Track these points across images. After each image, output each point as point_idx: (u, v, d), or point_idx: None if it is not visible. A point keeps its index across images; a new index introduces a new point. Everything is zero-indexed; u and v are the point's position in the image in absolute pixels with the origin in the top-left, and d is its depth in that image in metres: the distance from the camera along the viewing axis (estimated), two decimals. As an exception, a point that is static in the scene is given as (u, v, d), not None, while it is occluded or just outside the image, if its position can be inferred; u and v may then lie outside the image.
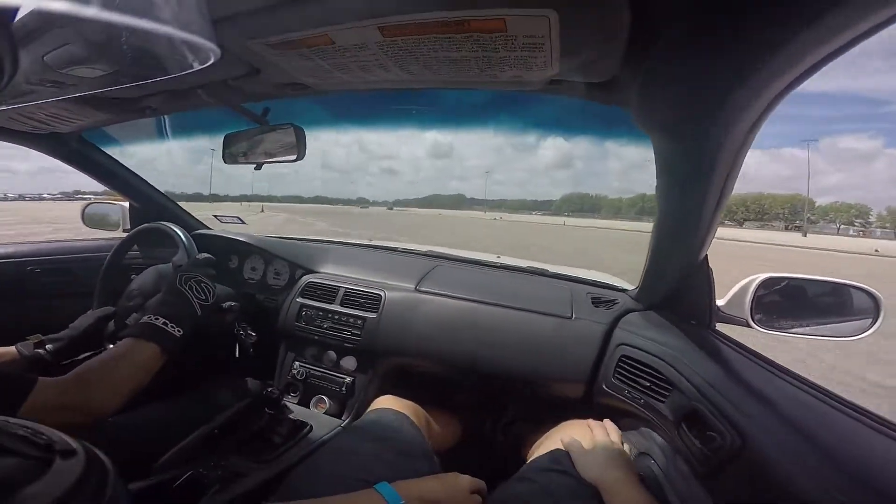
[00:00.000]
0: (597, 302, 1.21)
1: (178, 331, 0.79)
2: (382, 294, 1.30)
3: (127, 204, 1.63)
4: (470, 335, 1.19)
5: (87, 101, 0.95)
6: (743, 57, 0.44)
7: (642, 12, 0.45)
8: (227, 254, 1.54)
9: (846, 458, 0.52)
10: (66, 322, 1.06)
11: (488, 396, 1.36)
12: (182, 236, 1.15)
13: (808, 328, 1.00)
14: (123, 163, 1.49)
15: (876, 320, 0.93)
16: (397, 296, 1.29)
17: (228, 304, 1.18)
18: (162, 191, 1.65)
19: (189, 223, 1.69)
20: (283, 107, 1.00)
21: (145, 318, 0.78)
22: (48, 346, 0.96)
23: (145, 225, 1.25)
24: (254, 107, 1.00)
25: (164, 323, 0.78)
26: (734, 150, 0.60)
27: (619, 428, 0.97)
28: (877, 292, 0.95)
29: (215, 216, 2.03)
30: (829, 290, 1.02)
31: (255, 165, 1.04)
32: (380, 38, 0.56)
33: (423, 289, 1.31)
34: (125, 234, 1.58)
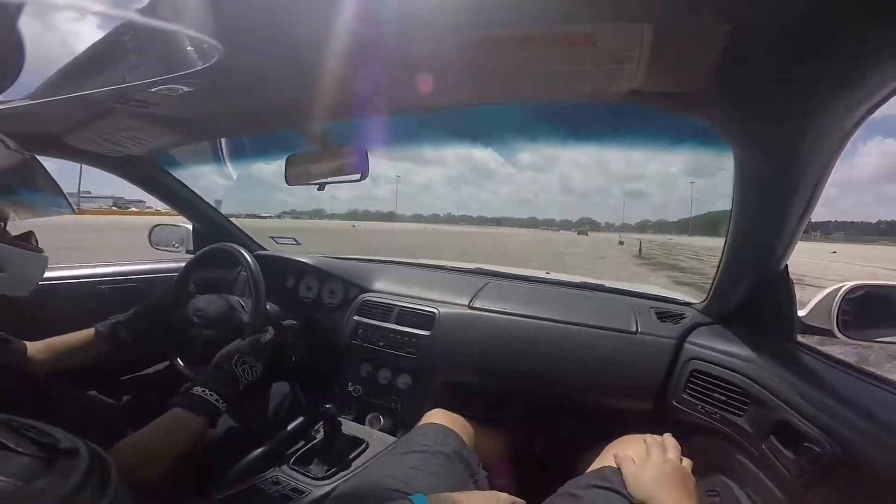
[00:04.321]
0: (662, 316, 1.18)
1: (224, 405, 0.84)
2: (436, 311, 1.30)
3: (190, 226, 1.71)
4: (527, 351, 1.18)
5: (160, 121, 0.98)
6: (843, 67, 0.43)
7: (740, 22, 0.44)
8: (283, 273, 1.60)
9: None
10: None
11: (543, 413, 1.34)
12: (250, 261, 1.19)
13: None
14: (190, 186, 1.56)
15: None
16: (451, 313, 1.30)
17: (288, 321, 1.21)
18: (224, 213, 1.74)
19: (248, 245, 1.76)
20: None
21: (199, 391, 0.83)
22: (120, 318, 1.08)
23: (216, 245, 1.30)
24: (314, 127, 1.02)
25: (217, 399, 0.82)
26: (826, 156, 0.58)
27: (693, 444, 0.93)
28: None
29: (271, 237, 2.10)
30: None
31: (318, 186, 1.07)
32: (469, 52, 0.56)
33: (476, 305, 1.31)
34: (188, 254, 1.67)
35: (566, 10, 0.46)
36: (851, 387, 0.77)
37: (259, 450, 1.01)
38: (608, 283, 1.47)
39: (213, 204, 1.69)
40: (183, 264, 1.32)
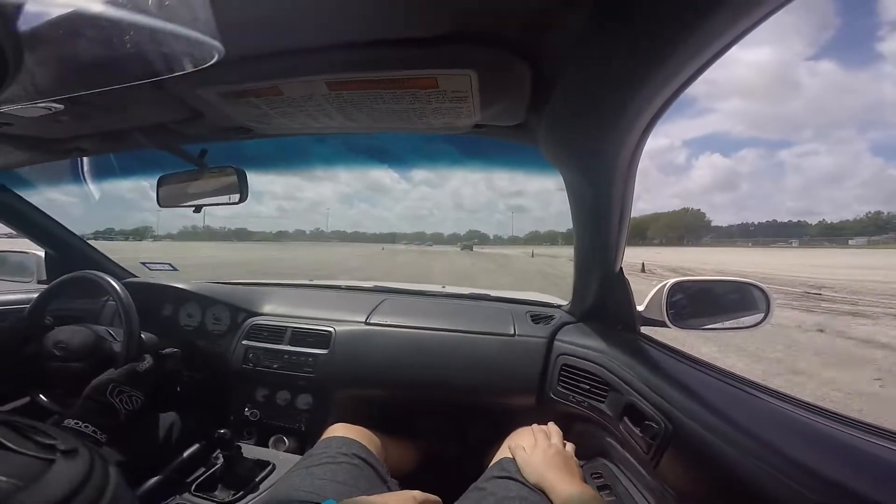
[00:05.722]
0: (536, 319, 1.30)
1: (104, 436, 0.79)
2: (332, 330, 1.31)
3: (42, 253, 1.51)
4: (421, 361, 1.24)
5: (8, 140, 0.89)
6: (615, 99, 0.54)
7: (539, 69, 0.55)
8: (159, 301, 1.49)
9: (760, 432, 0.60)
10: None
11: (449, 418, 1.39)
12: (119, 290, 1.10)
13: (715, 323, 1.12)
14: (41, 208, 1.39)
15: (768, 312, 1.05)
16: (347, 330, 1.31)
17: (169, 350, 1.14)
18: (85, 239, 1.56)
19: (115, 272, 1.60)
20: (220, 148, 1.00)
21: (72, 423, 0.77)
22: None
23: (76, 273, 1.18)
24: (191, 148, 0.99)
25: (94, 431, 0.78)
26: (623, 174, 0.71)
27: (574, 431, 1.04)
28: (766, 287, 1.08)
29: (143, 263, 1.93)
30: (731, 288, 1.15)
31: (194, 208, 1.03)
32: (326, 92, 0.61)
33: (372, 321, 1.34)
34: (41, 285, 1.48)
35: (406, 58, 0.53)
36: (680, 371, 0.88)
37: (153, 479, 0.95)
38: (493, 293, 1.59)
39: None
40: (34, 295, 1.18)
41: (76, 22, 0.32)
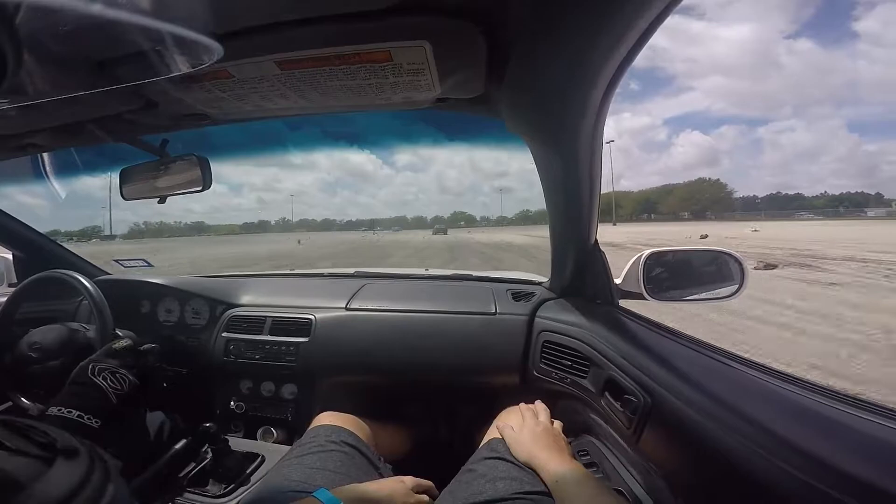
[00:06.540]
0: (517, 296, 1.30)
1: (96, 422, 0.72)
2: (312, 318, 1.30)
3: (10, 255, 1.47)
4: (403, 344, 1.23)
5: None
6: (570, 64, 0.53)
7: (493, 37, 0.54)
8: (135, 298, 1.46)
9: (737, 404, 0.60)
10: None
11: (435, 401, 1.39)
12: (89, 287, 1.07)
13: (692, 294, 1.13)
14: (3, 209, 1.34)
15: (742, 282, 1.05)
16: (328, 317, 1.30)
17: (147, 346, 1.12)
18: (51, 237, 1.51)
19: (87, 270, 1.56)
20: (181, 137, 0.97)
21: (55, 411, 0.71)
22: None
23: (44, 273, 1.15)
24: (151, 139, 0.96)
25: (80, 416, 0.71)
26: (588, 145, 0.70)
27: (558, 408, 1.05)
28: (740, 256, 1.08)
29: (115, 261, 1.89)
30: (707, 259, 1.16)
31: (158, 199, 1.01)
32: (278, 72, 0.59)
33: (353, 307, 1.33)
34: (11, 288, 1.44)
35: (357, 31, 0.51)
36: (659, 343, 0.88)
37: (143, 477, 0.92)
38: (475, 273, 1.59)
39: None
40: (4, 299, 1.15)
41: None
